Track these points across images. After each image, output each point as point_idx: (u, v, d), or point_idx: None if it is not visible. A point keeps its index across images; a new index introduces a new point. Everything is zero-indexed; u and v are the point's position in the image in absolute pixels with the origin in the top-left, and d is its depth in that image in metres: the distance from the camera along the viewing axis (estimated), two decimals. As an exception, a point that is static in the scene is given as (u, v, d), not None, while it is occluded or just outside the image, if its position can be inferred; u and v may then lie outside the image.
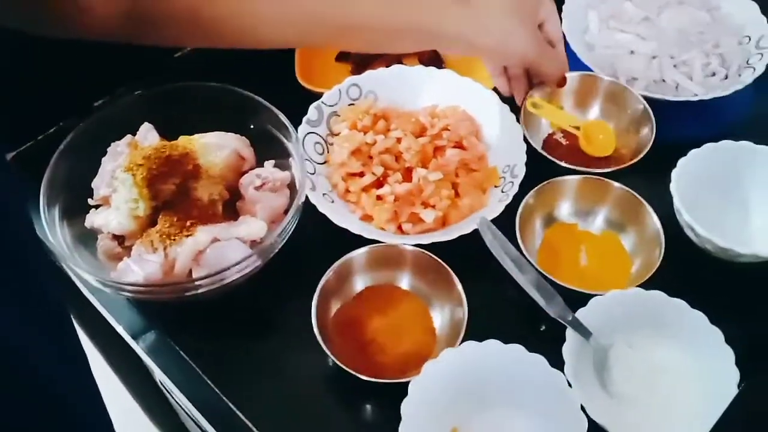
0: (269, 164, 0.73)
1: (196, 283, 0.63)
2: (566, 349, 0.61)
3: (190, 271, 0.66)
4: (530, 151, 0.75)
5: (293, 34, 0.66)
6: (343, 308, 0.68)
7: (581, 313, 0.63)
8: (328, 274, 0.66)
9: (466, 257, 0.67)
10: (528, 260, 0.67)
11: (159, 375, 0.68)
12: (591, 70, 0.83)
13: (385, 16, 0.66)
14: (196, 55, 0.89)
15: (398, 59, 0.87)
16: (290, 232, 0.67)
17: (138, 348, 0.68)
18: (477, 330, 0.63)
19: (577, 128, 0.80)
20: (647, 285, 0.65)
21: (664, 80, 0.84)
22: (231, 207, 0.72)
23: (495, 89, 0.81)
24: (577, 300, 0.64)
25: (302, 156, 0.73)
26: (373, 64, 0.87)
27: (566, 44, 0.82)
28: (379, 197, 0.74)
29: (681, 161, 0.72)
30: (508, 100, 0.80)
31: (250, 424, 0.62)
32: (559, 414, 0.58)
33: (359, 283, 0.69)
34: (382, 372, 0.62)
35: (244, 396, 0.64)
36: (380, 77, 0.82)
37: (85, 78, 0.80)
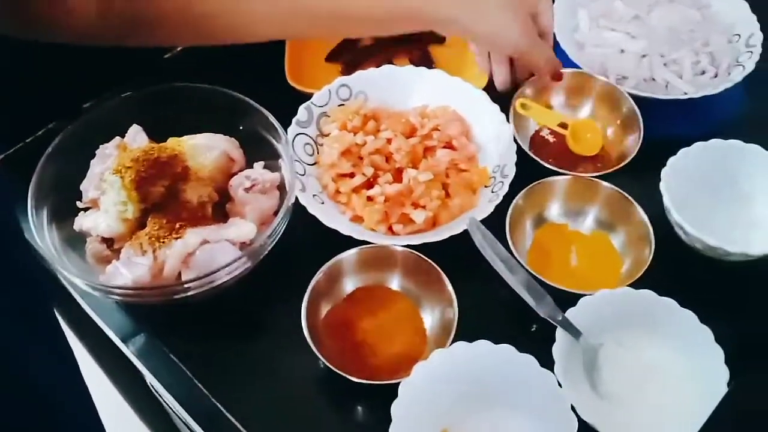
0: (259, 165, 0.73)
1: (186, 285, 0.63)
2: (556, 349, 0.61)
3: (180, 274, 0.65)
4: (520, 151, 0.75)
5: (288, 25, 0.66)
6: (334, 310, 0.68)
7: (571, 313, 0.63)
8: (318, 275, 0.66)
9: (456, 258, 0.67)
10: (518, 260, 0.67)
11: (149, 377, 0.68)
12: (581, 69, 0.83)
13: (384, 2, 0.67)
14: (186, 56, 0.89)
15: (388, 59, 0.87)
16: (280, 234, 0.67)
17: (127, 351, 0.68)
18: (467, 330, 0.63)
19: (565, 126, 0.80)
20: (637, 284, 0.65)
21: (654, 79, 0.84)
22: (220, 209, 0.72)
23: (485, 90, 0.81)
24: (567, 300, 0.64)
25: (292, 157, 0.72)
26: (363, 64, 0.86)
27: (556, 43, 0.82)
28: (369, 198, 0.74)
29: (670, 160, 0.72)
30: (499, 101, 0.80)
31: (239, 426, 0.62)
32: (550, 414, 0.59)
33: (349, 285, 0.69)
34: (373, 373, 0.62)
35: (234, 398, 0.64)
36: (370, 77, 0.82)
37: (74, 80, 0.80)
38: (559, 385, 0.59)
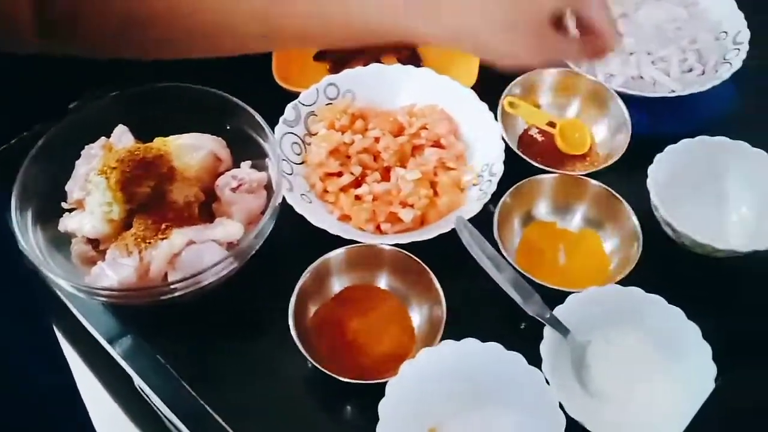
0: (246, 165, 0.73)
1: (172, 286, 0.63)
2: (544, 347, 0.61)
3: (166, 275, 0.65)
4: (508, 149, 0.75)
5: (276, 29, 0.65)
6: (322, 309, 0.67)
7: (559, 311, 0.63)
8: (306, 275, 0.66)
9: (444, 256, 0.66)
10: (505, 258, 0.67)
11: (136, 379, 0.68)
12: (569, 67, 0.83)
13: (383, 22, 0.62)
14: (172, 56, 0.88)
15: (376, 58, 0.86)
16: (267, 234, 0.67)
17: (114, 352, 0.67)
18: (455, 329, 0.62)
19: (554, 125, 0.80)
20: (625, 281, 0.65)
21: (641, 77, 0.84)
22: (207, 209, 0.71)
23: (473, 88, 0.81)
24: (555, 298, 0.64)
25: (279, 156, 0.72)
26: (351, 62, 0.86)
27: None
28: (357, 197, 0.74)
29: (657, 157, 0.72)
30: (487, 99, 0.79)
31: (227, 427, 0.62)
32: (538, 412, 0.58)
33: (337, 284, 0.69)
34: (361, 372, 0.62)
35: (221, 399, 0.64)
36: (358, 76, 0.82)
37: (59, 80, 0.79)
38: (547, 382, 0.59)
